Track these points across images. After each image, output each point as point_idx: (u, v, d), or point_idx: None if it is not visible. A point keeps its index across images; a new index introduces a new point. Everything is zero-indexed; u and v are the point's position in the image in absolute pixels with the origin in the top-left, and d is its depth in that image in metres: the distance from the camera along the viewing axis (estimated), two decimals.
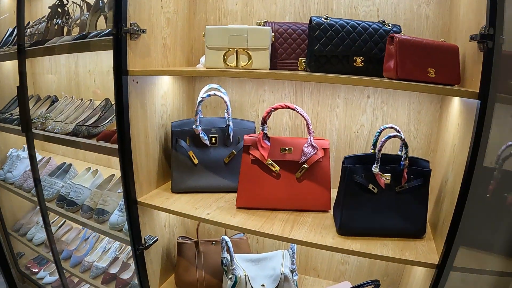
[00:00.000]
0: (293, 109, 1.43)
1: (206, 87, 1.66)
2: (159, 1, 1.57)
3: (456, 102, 1.38)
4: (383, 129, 1.40)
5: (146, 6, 1.51)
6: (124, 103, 1.47)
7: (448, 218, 1.21)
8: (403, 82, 1.19)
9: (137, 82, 1.52)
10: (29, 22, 2.15)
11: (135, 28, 1.45)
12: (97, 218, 1.78)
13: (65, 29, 1.88)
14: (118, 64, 1.45)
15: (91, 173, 2.04)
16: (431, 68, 1.26)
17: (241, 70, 1.38)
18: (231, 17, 1.75)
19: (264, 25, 1.50)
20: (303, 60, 1.48)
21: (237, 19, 1.73)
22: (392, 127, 1.41)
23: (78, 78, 2.26)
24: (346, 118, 1.66)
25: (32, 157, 1.92)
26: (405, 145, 1.34)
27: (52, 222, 2.40)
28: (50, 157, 2.27)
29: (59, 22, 1.86)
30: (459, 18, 1.40)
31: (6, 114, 2.16)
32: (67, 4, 1.88)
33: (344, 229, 1.36)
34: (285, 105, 1.44)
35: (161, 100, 1.66)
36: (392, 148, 1.61)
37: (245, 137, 1.48)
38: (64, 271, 2.14)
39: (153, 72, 1.49)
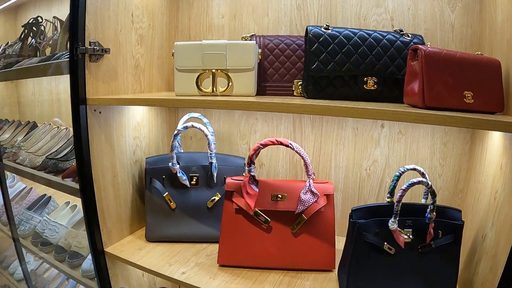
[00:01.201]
0: (287, 146, 1.01)
1: (185, 117, 1.24)
2: (129, 15, 1.18)
3: (495, 134, 0.94)
4: (403, 172, 0.96)
5: (112, 21, 1.13)
6: (83, 138, 1.09)
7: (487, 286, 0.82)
8: (433, 113, 0.75)
9: (100, 112, 1.13)
10: (8, 42, 1.78)
11: (95, 47, 1.06)
12: (69, 262, 1.39)
13: (39, 49, 1.51)
14: (74, 91, 1.07)
15: (69, 208, 1.65)
16: (468, 92, 0.83)
17: (216, 99, 0.95)
18: (217, 32, 1.33)
19: (250, 40, 1.08)
20: (299, 83, 1.05)
21: (224, 35, 1.31)
22: (415, 169, 0.96)
23: (59, 103, 1.88)
24: (356, 153, 1.21)
25: (3, 190, 1.54)
26: (432, 193, 0.90)
27: (35, 256, 2.01)
28: (32, 188, 1.88)
29: (33, 42, 1.49)
30: (496, 25, 0.96)
31: None
32: (41, 22, 1.51)
33: None
34: (277, 141, 1.01)
35: (133, 133, 1.26)
36: (411, 193, 1.16)
37: (228, 180, 1.06)
38: None
39: (110, 101, 1.08)
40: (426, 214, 0.92)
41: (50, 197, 1.76)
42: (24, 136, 1.72)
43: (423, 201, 1.01)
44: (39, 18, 1.50)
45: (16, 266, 1.94)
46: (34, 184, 1.94)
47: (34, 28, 1.51)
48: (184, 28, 1.38)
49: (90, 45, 1.06)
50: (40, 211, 1.71)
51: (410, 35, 0.98)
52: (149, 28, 1.26)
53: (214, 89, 1.00)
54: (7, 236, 1.75)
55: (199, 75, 1.00)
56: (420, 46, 0.83)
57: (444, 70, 0.82)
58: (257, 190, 1.03)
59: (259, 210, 1.02)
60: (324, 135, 1.23)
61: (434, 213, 0.91)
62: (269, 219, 1.03)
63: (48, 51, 1.49)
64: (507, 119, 0.74)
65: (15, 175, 1.97)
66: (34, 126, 1.80)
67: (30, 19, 1.51)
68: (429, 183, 0.90)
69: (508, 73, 0.88)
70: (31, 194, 1.82)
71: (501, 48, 0.92)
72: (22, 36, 1.53)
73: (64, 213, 1.63)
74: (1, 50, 1.75)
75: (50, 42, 1.45)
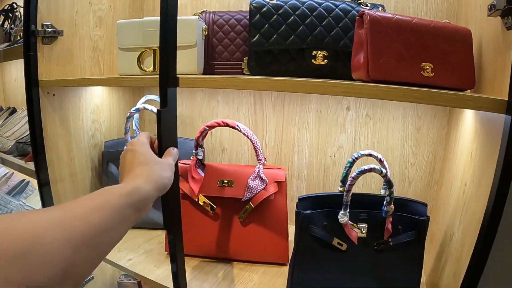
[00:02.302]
0: (234, 128, 0.88)
1: (143, 99, 1.13)
2: None
3: (468, 117, 0.78)
4: (357, 158, 0.81)
5: (67, 3, 1.04)
6: (35, 121, 1.01)
7: None
8: (369, 85, 0.61)
9: (53, 95, 1.05)
10: None
11: (47, 29, 0.98)
12: None
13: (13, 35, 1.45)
14: (27, 74, 1.00)
15: None
16: (426, 63, 0.69)
17: (154, 78, 0.84)
18: (181, 12, 1.19)
19: (200, 16, 0.96)
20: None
21: (187, 13, 1.20)
22: (371, 155, 0.82)
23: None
24: (320, 137, 1.07)
25: None
26: (388, 183, 0.75)
27: None
28: (13, 173, 1.84)
29: (7, 28, 1.43)
30: None
31: None
32: (16, 8, 1.44)
33: None
34: (223, 122, 0.89)
35: (91, 116, 1.17)
36: (376, 183, 1.01)
37: None
38: None
39: (62, 83, 1.00)
40: (383, 207, 0.78)
41: (28, 182, 1.71)
42: (3, 121, 1.68)
43: (382, 192, 0.86)
44: (14, 5, 1.44)
45: None
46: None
47: (10, 14, 1.45)
48: (148, 9, 1.27)
49: (42, 27, 0.99)
50: (18, 195, 1.66)
51: (368, 4, 0.83)
52: (109, 9, 1.17)
53: (156, 67, 0.88)
54: None
55: (141, 53, 0.89)
56: (367, 11, 0.68)
57: (395, 38, 0.67)
58: (202, 175, 0.92)
59: (204, 196, 0.91)
60: (286, 118, 1.09)
61: (392, 206, 0.77)
62: (214, 206, 0.91)
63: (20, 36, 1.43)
64: (474, 95, 0.59)
65: None
66: (14, 111, 1.75)
67: (5, 5, 1.45)
68: (384, 171, 0.75)
69: (481, 44, 0.73)
70: (12, 179, 1.78)
71: (475, 17, 0.77)
72: (1, 22, 1.47)
73: (39, 198, 1.57)
74: None
75: (22, 28, 1.38)
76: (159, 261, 0.96)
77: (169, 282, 0.86)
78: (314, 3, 0.80)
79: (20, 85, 1.93)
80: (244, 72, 0.93)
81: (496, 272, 0.59)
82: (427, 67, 0.69)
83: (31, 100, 1.01)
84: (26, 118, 1.52)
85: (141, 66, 0.89)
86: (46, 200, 1.07)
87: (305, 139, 1.08)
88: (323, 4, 0.80)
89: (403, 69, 0.68)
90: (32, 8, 0.97)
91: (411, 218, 0.79)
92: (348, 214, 0.77)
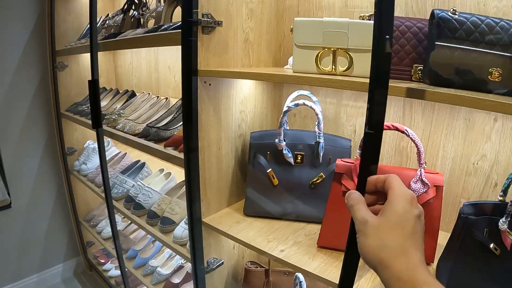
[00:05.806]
0: (403, 132, 1.12)
1: (294, 94, 1.40)
2: None
3: None
4: None
5: None
6: (193, 109, 1.28)
7: None
8: None
9: (209, 84, 1.31)
10: (108, 14, 2.06)
11: (208, 19, 1.23)
12: (161, 227, 1.64)
13: (142, 21, 1.74)
14: (186, 63, 1.25)
15: (163, 175, 1.92)
16: None
17: (339, 79, 1.04)
18: (328, 10, 1.45)
19: (369, 19, 1.20)
20: (418, 68, 1.15)
21: (335, 13, 1.43)
22: None
23: (158, 73, 2.14)
24: (465, 145, 1.28)
25: (100, 153, 1.82)
26: None
27: (123, 218, 2.35)
28: (126, 153, 2.20)
29: (135, 14, 1.72)
30: None
31: (84, 106, 2.12)
32: None
33: None
34: (393, 126, 1.12)
35: (240, 106, 1.44)
36: None
37: (338, 161, 1.20)
38: (127, 270, 2.08)
39: (223, 74, 1.23)
40: None
41: (144, 163, 2.04)
42: (123, 104, 2.00)
43: None
44: None
45: (104, 226, 2.30)
46: (128, 149, 2.26)
47: (136, 0, 1.74)
48: (292, 5, 1.52)
49: (203, 17, 1.22)
50: (133, 176, 2.00)
51: None
52: (259, 2, 1.42)
53: (334, 68, 1.13)
54: (98, 197, 2.08)
55: (319, 52, 1.12)
56: None
57: None
58: None
59: None
60: (434, 124, 1.32)
61: None
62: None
63: (151, 22, 1.72)
64: None
65: (110, 139, 2.30)
66: (133, 94, 2.08)
67: None
68: None
69: None
70: (125, 159, 2.13)
71: None
72: (125, 8, 1.77)
73: (157, 179, 1.90)
74: (101, 22, 2.03)
75: (154, 14, 1.67)
76: (312, 254, 1.19)
77: (328, 274, 1.10)
78: (492, 22, 0.99)
79: (135, 68, 2.27)
80: (413, 79, 1.16)
81: None
82: None
83: (190, 88, 1.25)
84: (150, 102, 1.84)
85: (319, 65, 1.13)
86: (193, 186, 1.35)
87: (450, 145, 1.31)
88: (500, 23, 0.99)
89: None
90: None
91: None
92: (507, 222, 1.00)
